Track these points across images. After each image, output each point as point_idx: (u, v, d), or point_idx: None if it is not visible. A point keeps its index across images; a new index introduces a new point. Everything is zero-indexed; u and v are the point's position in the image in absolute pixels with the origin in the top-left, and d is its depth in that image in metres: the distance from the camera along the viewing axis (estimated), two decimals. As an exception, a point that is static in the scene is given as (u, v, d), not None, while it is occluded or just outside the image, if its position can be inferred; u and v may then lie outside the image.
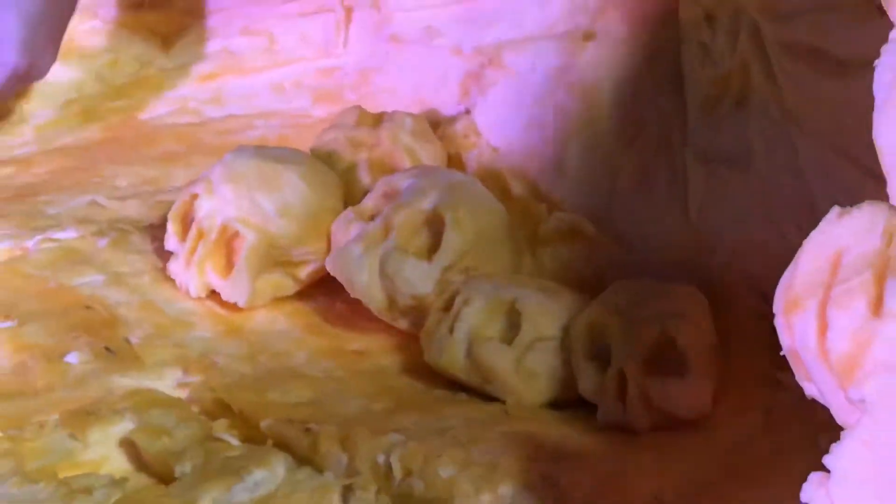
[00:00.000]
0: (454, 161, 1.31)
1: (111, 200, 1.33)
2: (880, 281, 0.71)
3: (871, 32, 1.06)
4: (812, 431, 0.70)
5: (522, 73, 1.33)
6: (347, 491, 0.98)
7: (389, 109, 1.35)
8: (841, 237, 0.75)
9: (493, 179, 1.28)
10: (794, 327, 0.75)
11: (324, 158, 1.28)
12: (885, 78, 0.84)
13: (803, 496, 0.69)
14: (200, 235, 1.21)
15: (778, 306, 0.76)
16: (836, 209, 0.76)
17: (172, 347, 1.15)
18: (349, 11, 1.43)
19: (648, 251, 1.21)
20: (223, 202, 1.20)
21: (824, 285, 0.74)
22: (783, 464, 0.96)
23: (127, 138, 1.43)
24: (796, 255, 0.76)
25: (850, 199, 0.78)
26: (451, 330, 1.11)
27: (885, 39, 0.87)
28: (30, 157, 1.41)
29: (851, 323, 0.72)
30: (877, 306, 0.71)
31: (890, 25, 0.83)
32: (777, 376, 1.06)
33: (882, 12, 1.03)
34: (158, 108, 1.46)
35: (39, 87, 1.44)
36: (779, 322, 0.76)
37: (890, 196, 0.82)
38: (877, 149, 0.85)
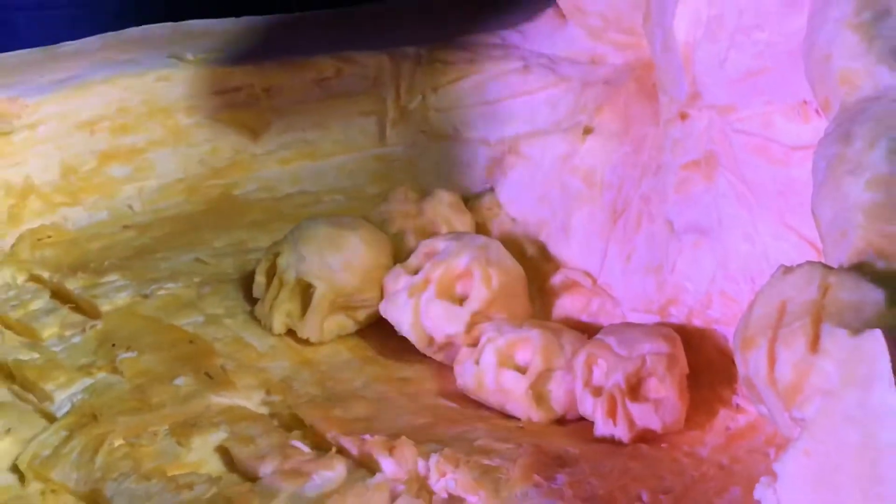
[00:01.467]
0: (481, 228, 1.33)
1: (210, 258, 1.35)
2: (816, 325, 0.72)
3: (810, 127, 1.08)
4: (763, 444, 0.70)
5: (535, 159, 1.34)
6: (394, 489, 0.98)
7: (430, 188, 1.36)
8: (785, 290, 0.75)
9: (512, 243, 1.28)
10: (749, 361, 0.75)
11: (378, 225, 1.29)
12: (820, 165, 0.85)
13: (756, 495, 0.70)
14: (281, 285, 1.22)
15: (736, 344, 0.77)
16: (782, 267, 0.76)
17: (258, 373, 1.15)
18: (401, 111, 1.43)
19: (633, 301, 1.21)
20: (299, 259, 1.21)
21: (773, 328, 0.74)
22: (741, 470, 0.96)
23: (223, 209, 1.43)
24: (750, 304, 0.77)
25: (793, 261, 0.79)
26: (478, 362, 1.12)
27: (820, 134, 0.88)
28: (147, 223, 1.41)
29: (794, 357, 0.72)
30: (814, 345, 0.72)
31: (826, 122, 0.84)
32: (735, 401, 1.07)
33: (819, 114, 1.04)
34: (248, 186, 1.46)
35: (156, 168, 1.44)
36: (737, 357, 0.77)
37: (825, 258, 0.83)
38: (815, 221, 0.86)
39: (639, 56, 1.28)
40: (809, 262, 0.75)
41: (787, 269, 0.76)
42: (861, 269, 0.75)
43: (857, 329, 0.70)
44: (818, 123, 1.06)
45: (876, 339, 0.68)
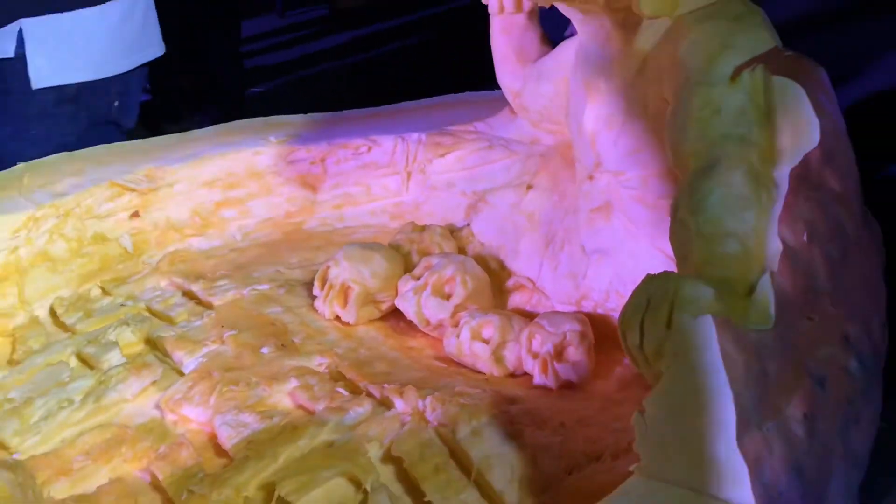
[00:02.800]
0: (461, 250, 1.33)
1: (286, 269, 1.35)
2: (670, 311, 0.73)
3: (674, 186, 1.08)
4: (641, 391, 0.72)
5: (496, 205, 1.35)
6: (403, 419, 0.99)
7: (429, 223, 1.36)
8: (651, 289, 0.76)
9: (481, 259, 1.29)
10: (626, 336, 0.76)
11: (395, 248, 1.30)
12: (676, 208, 0.86)
13: (633, 421, 0.71)
14: (331, 288, 1.22)
15: (621, 326, 0.78)
16: (648, 275, 0.77)
17: (316, 344, 1.16)
18: (409, 174, 1.44)
19: (559, 297, 1.22)
20: (343, 270, 1.22)
21: (642, 313, 0.75)
22: (628, 405, 0.97)
23: (295, 238, 1.44)
24: (630, 296, 0.78)
25: (658, 270, 0.80)
26: (458, 336, 1.13)
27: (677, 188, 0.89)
28: (245, 248, 1.43)
29: (657, 332, 0.73)
30: (669, 324, 0.73)
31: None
32: (625, 361, 1.07)
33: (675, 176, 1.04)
34: (311, 223, 1.48)
35: (252, 211, 1.45)
36: (621, 332, 0.78)
37: (677, 269, 0.84)
38: (671, 245, 0.87)
39: (562, 139, 1.29)
40: (666, 272, 0.77)
41: (652, 276, 0.77)
42: (699, 276, 0.77)
43: (695, 314, 0.71)
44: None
45: (707, 321, 0.70)
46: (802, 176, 0.85)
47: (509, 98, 1.33)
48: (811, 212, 0.84)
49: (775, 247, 0.80)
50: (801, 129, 0.89)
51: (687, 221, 0.83)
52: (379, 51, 5.21)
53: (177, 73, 3.55)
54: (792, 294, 0.78)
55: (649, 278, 0.76)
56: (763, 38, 0.97)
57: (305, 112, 1.57)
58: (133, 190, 1.38)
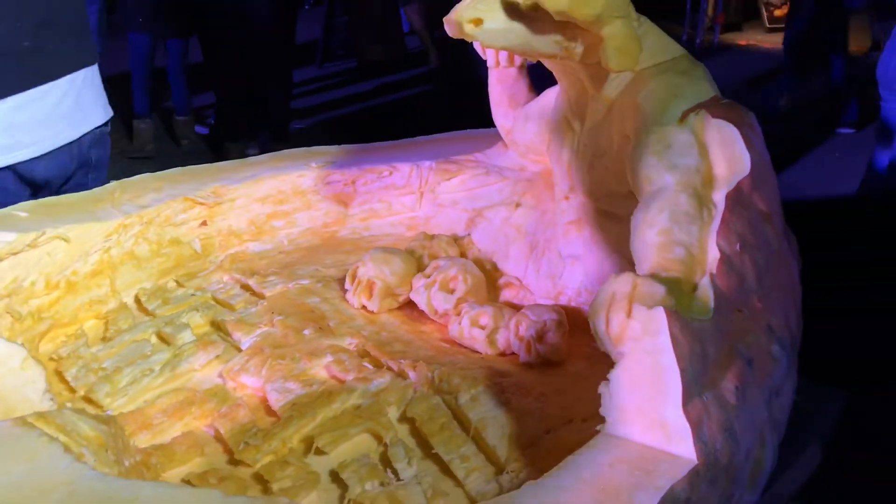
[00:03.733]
0: (463, 255, 1.32)
1: (323, 268, 1.35)
2: (630, 304, 0.73)
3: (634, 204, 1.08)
4: (606, 367, 0.72)
5: (491, 219, 1.34)
6: (416, 388, 0.99)
7: (437, 233, 1.36)
8: (614, 286, 0.76)
9: (479, 262, 1.28)
10: (596, 323, 0.76)
11: (410, 252, 1.30)
12: (634, 222, 0.86)
13: (600, 390, 0.71)
14: (359, 283, 1.22)
15: (591, 316, 0.78)
16: (613, 275, 0.78)
17: (347, 328, 1.15)
18: (422, 194, 1.44)
19: (541, 293, 1.22)
20: (369, 269, 1.22)
21: (607, 306, 0.76)
22: (594, 379, 0.97)
23: (331, 244, 1.44)
24: (598, 292, 0.78)
25: (620, 272, 0.80)
26: (460, 323, 1.13)
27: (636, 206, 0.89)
28: (291, 251, 1.43)
29: (619, 321, 0.73)
30: (629, 314, 0.73)
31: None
32: (592, 345, 1.07)
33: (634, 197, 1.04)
34: (343, 232, 1.47)
35: (297, 222, 1.44)
36: (591, 321, 0.78)
37: (637, 271, 0.84)
38: (632, 252, 0.87)
39: (544, 167, 1.29)
40: (626, 272, 0.77)
41: (616, 276, 0.77)
42: (653, 277, 0.77)
43: (650, 306, 0.71)
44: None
45: (660, 312, 0.70)
46: (736, 198, 0.86)
47: (502, 134, 1.33)
48: (743, 227, 0.84)
49: (714, 254, 0.81)
50: (735, 160, 0.89)
51: (644, 233, 0.83)
52: (398, 95, 5.21)
53: (238, 110, 3.56)
54: (727, 292, 0.79)
55: (614, 277, 0.76)
56: (705, 89, 0.98)
57: (339, 143, 1.57)
58: (202, 203, 1.37)
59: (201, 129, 4.31)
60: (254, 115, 3.58)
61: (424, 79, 5.57)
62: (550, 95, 1.23)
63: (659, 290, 0.73)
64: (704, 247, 0.81)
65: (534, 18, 0.95)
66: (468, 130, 1.55)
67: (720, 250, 0.80)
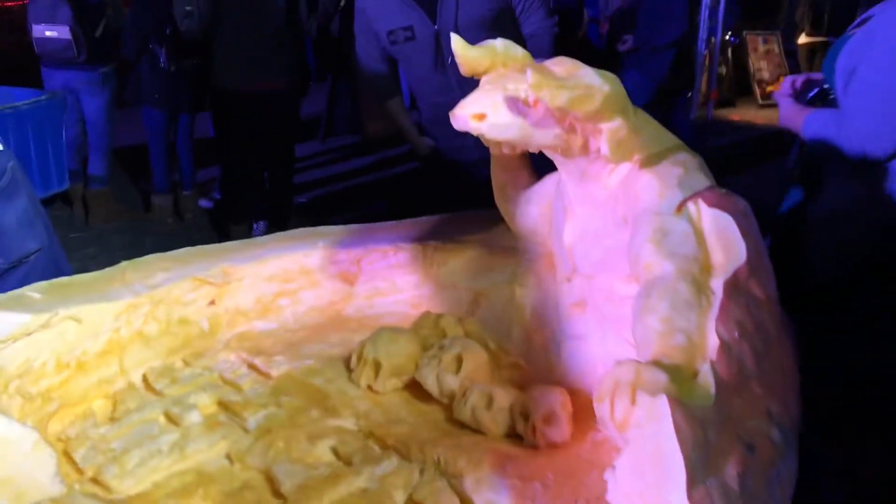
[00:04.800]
0: (467, 335, 1.33)
1: (328, 347, 1.36)
2: (634, 391, 0.75)
3: (634, 287, 1.10)
4: (611, 451, 0.73)
5: (493, 299, 1.37)
6: (422, 470, 0.99)
7: (441, 312, 1.38)
8: (618, 373, 0.78)
9: (482, 342, 1.29)
10: (601, 408, 0.78)
11: (416, 332, 1.31)
12: (636, 308, 0.88)
13: (605, 476, 0.72)
14: (365, 363, 1.24)
15: (595, 402, 0.79)
16: (617, 361, 0.80)
17: (352, 409, 1.16)
18: (426, 272, 1.47)
19: (545, 374, 1.22)
20: (375, 348, 1.23)
21: (611, 392, 0.77)
22: (600, 463, 0.98)
23: (335, 321, 1.46)
24: (602, 379, 0.80)
25: (624, 357, 0.82)
26: (465, 404, 1.13)
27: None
28: (296, 329, 1.45)
29: (623, 407, 0.75)
30: (633, 401, 0.75)
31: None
32: (598, 427, 1.07)
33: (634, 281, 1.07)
34: (348, 310, 1.49)
35: (302, 300, 1.46)
36: (595, 407, 0.80)
37: (638, 357, 0.86)
38: (634, 337, 0.89)
39: (546, 249, 1.32)
40: (630, 360, 0.79)
41: (620, 362, 0.79)
42: (656, 364, 0.79)
43: (653, 393, 0.73)
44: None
45: (662, 400, 0.72)
46: (733, 286, 0.89)
47: (505, 217, 1.37)
48: (741, 314, 0.87)
49: (714, 341, 0.83)
50: (731, 249, 0.93)
51: (646, 319, 0.86)
52: (401, 169, 5.30)
53: (244, 188, 3.62)
54: (727, 378, 0.81)
55: (618, 364, 0.78)
56: (701, 179, 1.02)
57: (341, 218, 1.59)
58: (211, 283, 1.40)
59: (205, 203, 4.38)
60: (258, 195, 3.65)
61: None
62: (551, 181, 1.27)
63: (661, 377, 0.75)
64: (704, 334, 0.84)
65: (532, 113, 1.00)
66: (470, 211, 1.58)
67: (719, 337, 0.83)
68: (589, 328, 1.17)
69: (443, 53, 2.06)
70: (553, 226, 1.24)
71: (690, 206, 0.97)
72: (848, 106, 1.46)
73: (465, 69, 1.05)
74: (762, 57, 8.19)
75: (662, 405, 0.71)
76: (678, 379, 0.77)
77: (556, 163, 1.15)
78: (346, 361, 1.29)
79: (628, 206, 1.04)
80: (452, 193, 2.19)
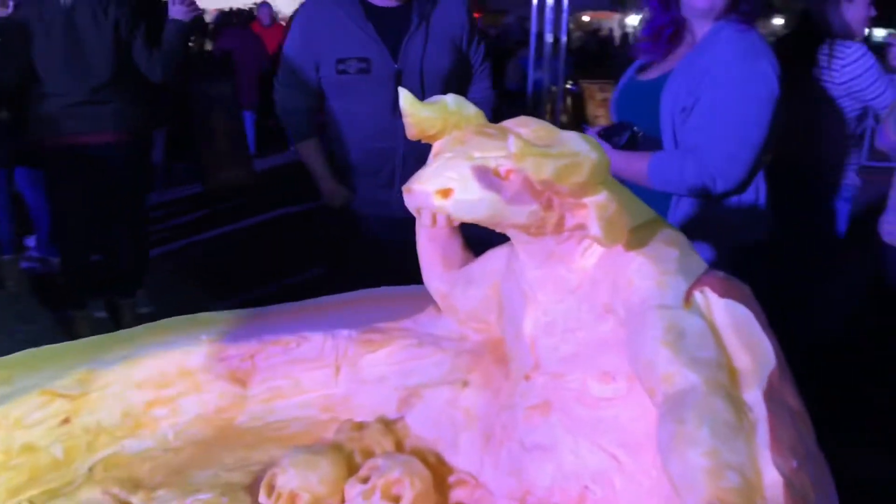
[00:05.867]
0: (398, 445, 1.13)
1: (224, 472, 1.11)
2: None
3: (610, 388, 0.94)
4: None
5: (430, 399, 1.16)
6: None
7: (361, 416, 1.17)
8: None
9: (419, 454, 1.09)
10: None
11: (337, 448, 1.09)
12: (664, 436, 0.71)
13: None
14: (279, 497, 1.00)
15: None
16: None
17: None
18: (339, 367, 1.24)
19: (503, 492, 1.03)
20: (290, 478, 1.01)
21: None
22: None
23: (228, 435, 1.21)
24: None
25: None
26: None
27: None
28: (179, 448, 1.19)
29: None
30: None
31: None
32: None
33: (615, 378, 0.91)
34: (242, 418, 1.24)
35: (183, 409, 1.20)
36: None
37: (681, 501, 0.69)
38: (667, 474, 0.72)
39: (490, 336, 1.14)
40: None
41: None
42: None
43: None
44: (616, 385, 0.93)
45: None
46: (771, 397, 0.74)
47: (437, 298, 1.17)
48: (791, 436, 0.72)
49: (772, 477, 0.67)
50: (757, 349, 0.78)
51: (686, 454, 0.69)
52: (249, 222, 5.00)
53: (83, 260, 3.17)
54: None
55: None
56: (697, 261, 0.88)
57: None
58: (63, 395, 1.12)
59: (29, 265, 3.90)
60: (101, 267, 3.21)
61: (278, 203, 5.38)
62: (497, 257, 1.09)
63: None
64: (757, 468, 0.68)
65: (506, 187, 0.82)
66: (384, 289, 1.37)
67: (779, 471, 0.66)
68: (556, 435, 0.98)
69: None
70: (505, 312, 1.06)
71: (697, 295, 0.82)
72: (694, 140, 1.57)
73: (413, 131, 0.86)
74: (599, 105, 8.55)
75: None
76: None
77: (516, 241, 0.97)
78: (249, 490, 1.05)
79: (617, 294, 0.87)
80: (364, 258, 1.96)
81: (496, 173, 0.81)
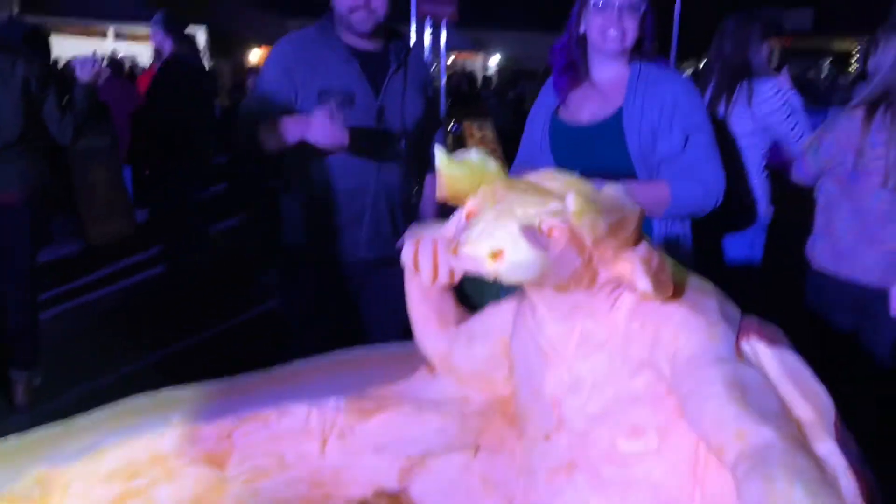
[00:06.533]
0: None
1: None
2: None
3: (640, 443, 0.91)
4: None
5: (439, 469, 1.10)
6: None
7: (358, 492, 1.10)
8: None
9: None
10: None
11: None
12: (751, 496, 0.68)
13: None
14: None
15: None
16: None
17: None
18: (326, 439, 1.16)
19: None
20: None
21: None
22: None
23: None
24: None
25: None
26: None
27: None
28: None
29: None
30: None
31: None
32: None
33: (644, 432, 0.88)
34: (224, 502, 1.12)
35: (157, 499, 1.09)
36: None
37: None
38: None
39: (495, 396, 1.09)
40: None
41: None
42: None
43: None
44: (647, 439, 0.91)
45: None
46: (846, 447, 0.73)
47: (434, 359, 1.12)
48: (870, 488, 0.71)
49: (870, 528, 0.66)
50: (816, 399, 0.78)
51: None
52: (136, 279, 4.74)
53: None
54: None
55: None
56: (733, 307, 0.87)
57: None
58: (21, 500, 0.98)
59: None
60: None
61: (160, 258, 5.12)
62: (501, 314, 1.05)
63: None
64: (854, 521, 0.66)
65: (552, 245, 0.78)
66: (363, 349, 1.29)
67: (875, 522, 0.65)
68: (581, 498, 0.95)
69: None
70: (516, 371, 1.02)
71: (747, 346, 0.81)
72: (688, 163, 1.57)
73: (445, 192, 0.81)
74: (479, 142, 8.76)
75: None
76: None
77: (536, 296, 0.93)
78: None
79: (659, 348, 0.85)
80: (332, 306, 1.81)
81: (539, 230, 0.77)
